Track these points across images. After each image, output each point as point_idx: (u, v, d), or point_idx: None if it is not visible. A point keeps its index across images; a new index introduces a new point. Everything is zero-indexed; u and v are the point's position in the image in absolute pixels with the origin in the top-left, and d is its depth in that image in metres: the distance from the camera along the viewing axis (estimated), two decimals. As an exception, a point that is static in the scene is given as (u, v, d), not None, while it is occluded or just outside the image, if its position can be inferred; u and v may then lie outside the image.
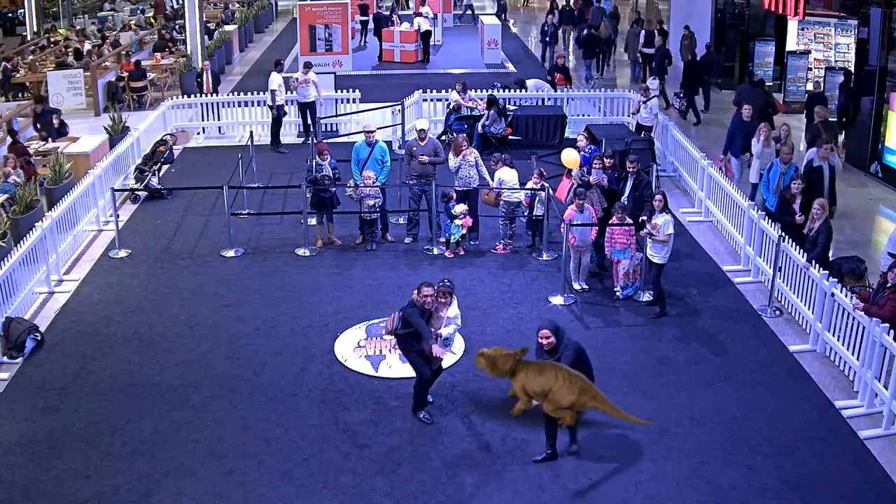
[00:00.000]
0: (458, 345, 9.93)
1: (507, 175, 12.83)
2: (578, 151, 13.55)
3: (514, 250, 12.92)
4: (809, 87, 20.37)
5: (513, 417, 8.20)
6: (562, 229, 11.58)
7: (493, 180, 12.93)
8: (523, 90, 19.32)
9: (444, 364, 9.24)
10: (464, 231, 12.64)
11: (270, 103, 17.69)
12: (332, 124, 19.06)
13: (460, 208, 12.50)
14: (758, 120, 17.43)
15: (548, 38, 26.56)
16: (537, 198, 12.52)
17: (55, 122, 17.60)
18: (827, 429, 8.76)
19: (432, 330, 8.64)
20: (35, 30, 30.91)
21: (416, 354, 8.70)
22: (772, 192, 12.54)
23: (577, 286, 11.65)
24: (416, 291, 8.65)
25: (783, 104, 18.88)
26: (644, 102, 16.63)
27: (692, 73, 20.26)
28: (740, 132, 14.75)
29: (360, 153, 13.07)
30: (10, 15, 36.55)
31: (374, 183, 12.72)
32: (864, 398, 9.16)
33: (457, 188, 12.96)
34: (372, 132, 13.12)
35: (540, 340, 8.03)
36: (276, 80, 17.58)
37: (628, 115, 18.37)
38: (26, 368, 9.97)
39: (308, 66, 18.09)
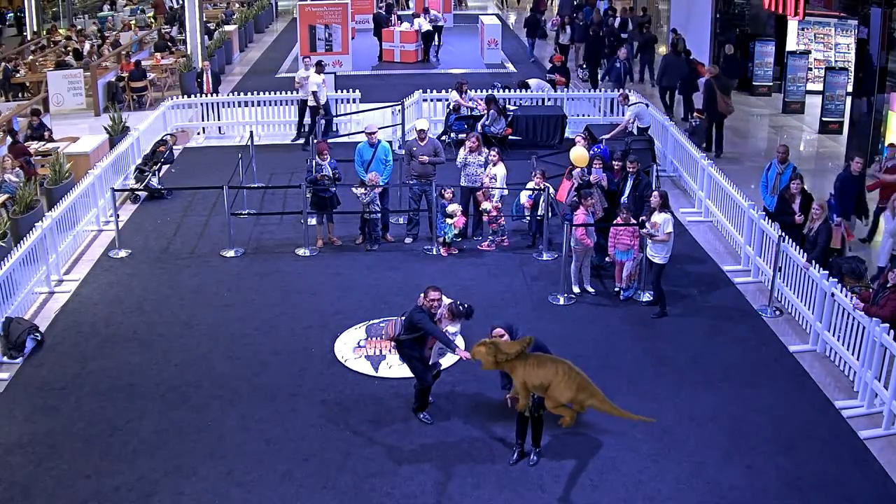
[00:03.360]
0: (458, 345, 9.89)
1: (502, 171, 12.89)
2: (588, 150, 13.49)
3: (501, 248, 12.92)
4: (810, 86, 20.43)
5: (513, 417, 8.20)
6: (569, 231, 11.49)
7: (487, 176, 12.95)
8: (527, 91, 19.31)
9: (444, 364, 9.24)
10: (455, 231, 12.64)
11: (313, 102, 17.79)
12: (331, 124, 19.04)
13: (453, 208, 12.51)
14: (681, 88, 18.92)
15: (623, 75, 20.63)
16: (542, 197, 12.53)
17: (46, 133, 17.52)
18: (827, 429, 8.76)
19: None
20: (35, 30, 30.89)
21: (417, 361, 8.69)
22: (769, 192, 12.53)
23: (576, 289, 11.61)
24: (422, 295, 8.58)
25: (705, 68, 19.66)
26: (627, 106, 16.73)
27: (594, 45, 22.88)
28: (850, 190, 12.07)
29: (363, 154, 13.08)
30: (11, 15, 36.49)
31: (378, 184, 12.72)
32: (864, 398, 9.16)
33: (462, 185, 12.99)
34: (373, 133, 13.12)
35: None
36: (315, 79, 17.73)
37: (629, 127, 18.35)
38: (26, 368, 9.97)
39: (306, 58, 18.39)
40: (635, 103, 16.68)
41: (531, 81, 19.68)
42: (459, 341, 9.81)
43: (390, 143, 16.40)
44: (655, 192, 10.98)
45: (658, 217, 10.76)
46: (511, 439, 8.41)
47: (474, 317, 9.78)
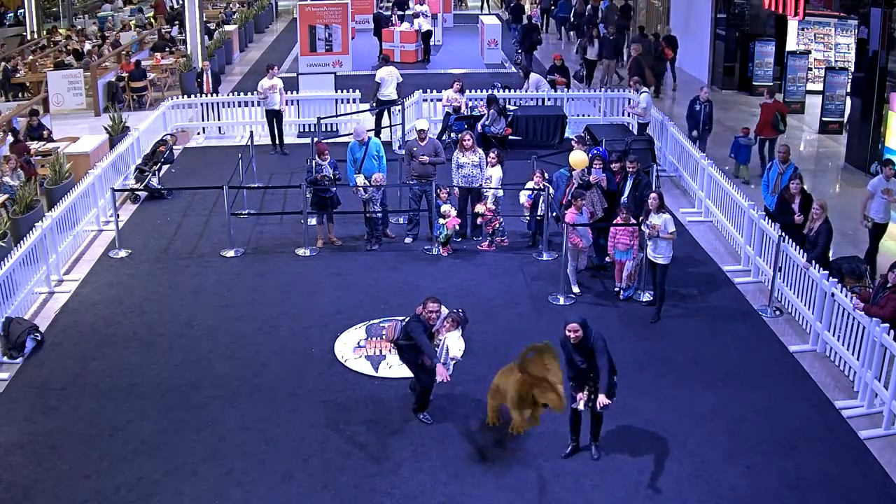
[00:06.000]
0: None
1: (498, 173, 12.90)
2: (587, 153, 13.48)
3: (500, 248, 12.90)
4: (810, 86, 20.44)
5: (509, 418, 8.19)
6: (562, 230, 11.58)
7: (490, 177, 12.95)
8: (527, 79, 19.33)
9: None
10: (448, 232, 12.62)
11: (393, 96, 18.21)
12: (332, 124, 19.05)
13: (446, 208, 12.52)
14: (653, 66, 20.43)
15: (703, 123, 16.32)
16: (541, 198, 12.52)
17: (45, 133, 17.51)
18: (827, 429, 8.76)
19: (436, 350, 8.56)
20: (35, 30, 30.88)
21: (415, 366, 8.69)
22: (770, 191, 12.53)
23: (576, 289, 11.59)
24: (421, 305, 8.57)
25: (670, 50, 21.50)
26: (637, 98, 16.87)
27: (528, 32, 24.86)
28: None
29: (354, 152, 13.08)
30: (11, 14, 36.51)
31: (383, 182, 12.71)
32: (864, 398, 9.16)
33: (459, 185, 12.99)
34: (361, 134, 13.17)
35: (567, 334, 7.87)
36: (388, 71, 18.24)
37: (627, 115, 18.37)
38: (26, 368, 9.97)
39: (270, 67, 17.91)
40: (646, 91, 16.85)
41: (532, 75, 19.64)
42: (459, 341, 9.79)
43: (389, 143, 16.44)
44: (653, 194, 10.95)
45: (657, 219, 10.72)
46: (511, 439, 8.41)
47: (476, 316, 9.79)
